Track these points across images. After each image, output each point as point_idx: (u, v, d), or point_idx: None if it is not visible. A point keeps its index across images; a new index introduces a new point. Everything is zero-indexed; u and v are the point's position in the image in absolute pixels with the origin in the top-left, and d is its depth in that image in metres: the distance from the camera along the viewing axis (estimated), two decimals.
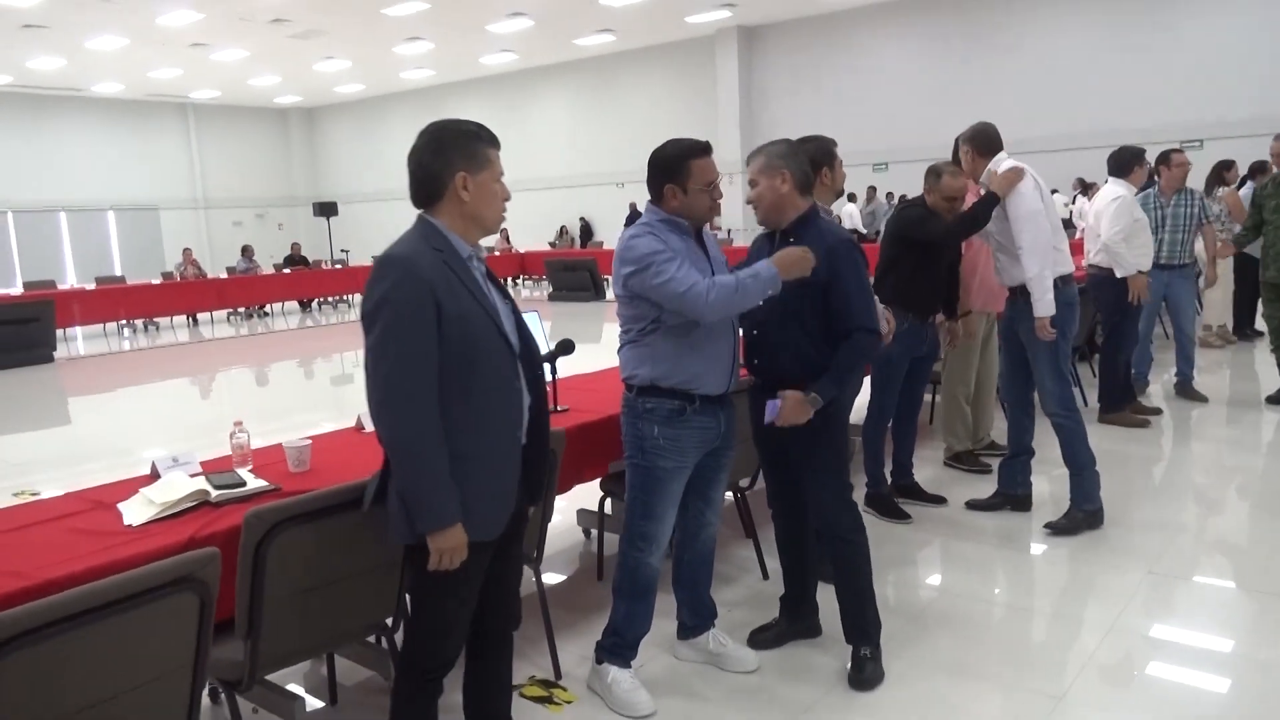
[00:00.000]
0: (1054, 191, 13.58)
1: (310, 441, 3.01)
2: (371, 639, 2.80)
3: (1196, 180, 7.15)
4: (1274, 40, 14.72)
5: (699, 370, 2.75)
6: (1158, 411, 6.11)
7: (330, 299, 17.56)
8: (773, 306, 2.77)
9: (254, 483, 2.72)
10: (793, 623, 3.22)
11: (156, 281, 15.75)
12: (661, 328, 2.74)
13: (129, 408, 9.29)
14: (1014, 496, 4.38)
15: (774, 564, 3.86)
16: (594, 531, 4.15)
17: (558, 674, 3.09)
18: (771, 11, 19.11)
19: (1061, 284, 4.02)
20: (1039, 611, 3.48)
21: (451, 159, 2.17)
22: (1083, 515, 4.11)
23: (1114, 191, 5.58)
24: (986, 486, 4.63)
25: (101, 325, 14.32)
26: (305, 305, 17.37)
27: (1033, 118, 16.20)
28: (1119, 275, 5.62)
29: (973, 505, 4.45)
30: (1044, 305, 3.95)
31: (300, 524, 2.23)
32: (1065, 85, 16.47)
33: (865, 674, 2.90)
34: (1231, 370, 7.58)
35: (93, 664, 1.78)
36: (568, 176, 23.84)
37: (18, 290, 15.25)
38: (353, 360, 11.89)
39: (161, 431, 7.76)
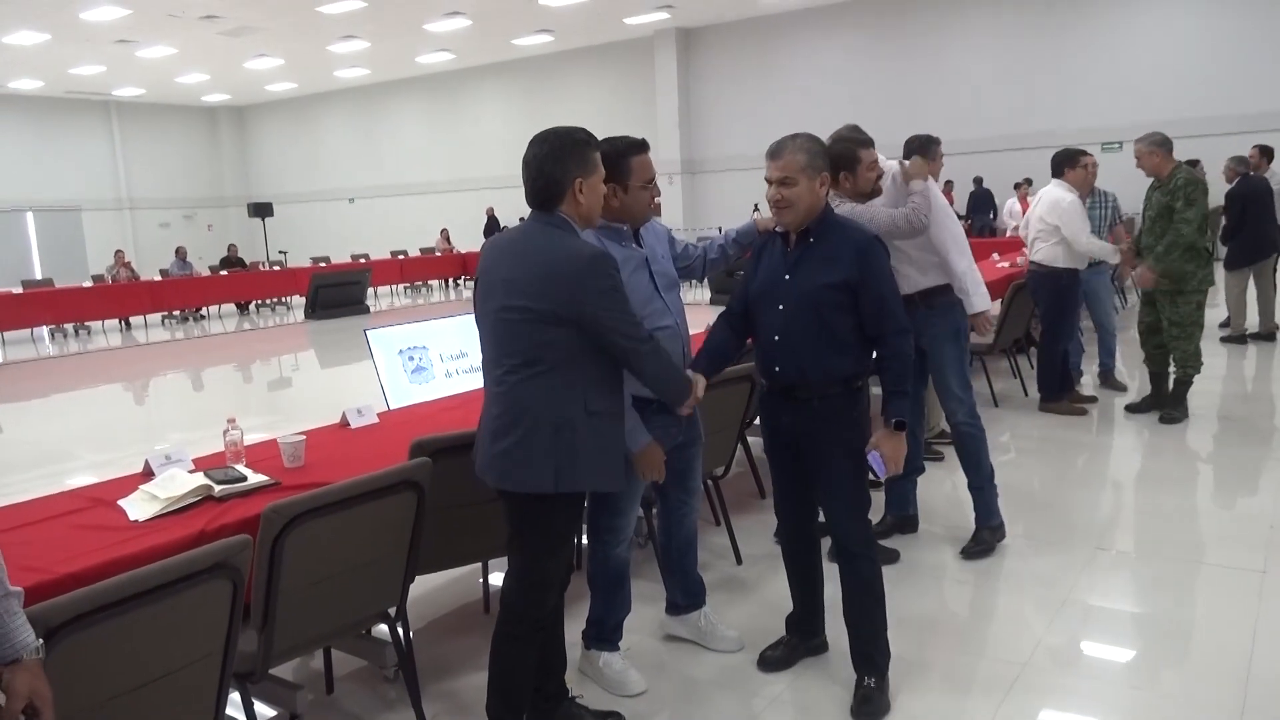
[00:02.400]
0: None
1: (304, 437, 3.06)
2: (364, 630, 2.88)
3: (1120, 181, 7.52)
4: (1190, 45, 15.45)
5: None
6: (1093, 400, 6.44)
7: (269, 301, 17.25)
8: (798, 312, 2.71)
9: (254, 477, 2.77)
10: (801, 640, 3.08)
11: (87, 284, 15.30)
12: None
13: (61, 415, 9.05)
14: (904, 518, 4.13)
15: (747, 549, 4.04)
16: None
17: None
18: (709, 14, 19.36)
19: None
20: (996, 594, 3.69)
21: (569, 166, 2.42)
22: (989, 533, 3.93)
23: (1060, 193, 5.90)
24: (940, 473, 4.86)
25: (30, 331, 13.86)
26: (243, 308, 17.04)
27: (957, 118, 16.74)
28: (1113, 262, 6.27)
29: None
30: (981, 299, 3.92)
31: (317, 517, 2.30)
32: (988, 87, 17.05)
33: (872, 706, 2.73)
34: None
35: (134, 649, 1.84)
36: (507, 177, 23.65)
37: None
38: (291, 363, 11.76)
39: (95, 439, 7.60)
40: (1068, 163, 5.98)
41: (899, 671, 2.88)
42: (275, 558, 2.24)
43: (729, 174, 20.14)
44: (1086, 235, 5.88)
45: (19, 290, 14.44)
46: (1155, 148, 5.63)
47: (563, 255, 2.34)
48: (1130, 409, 6.06)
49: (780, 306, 2.73)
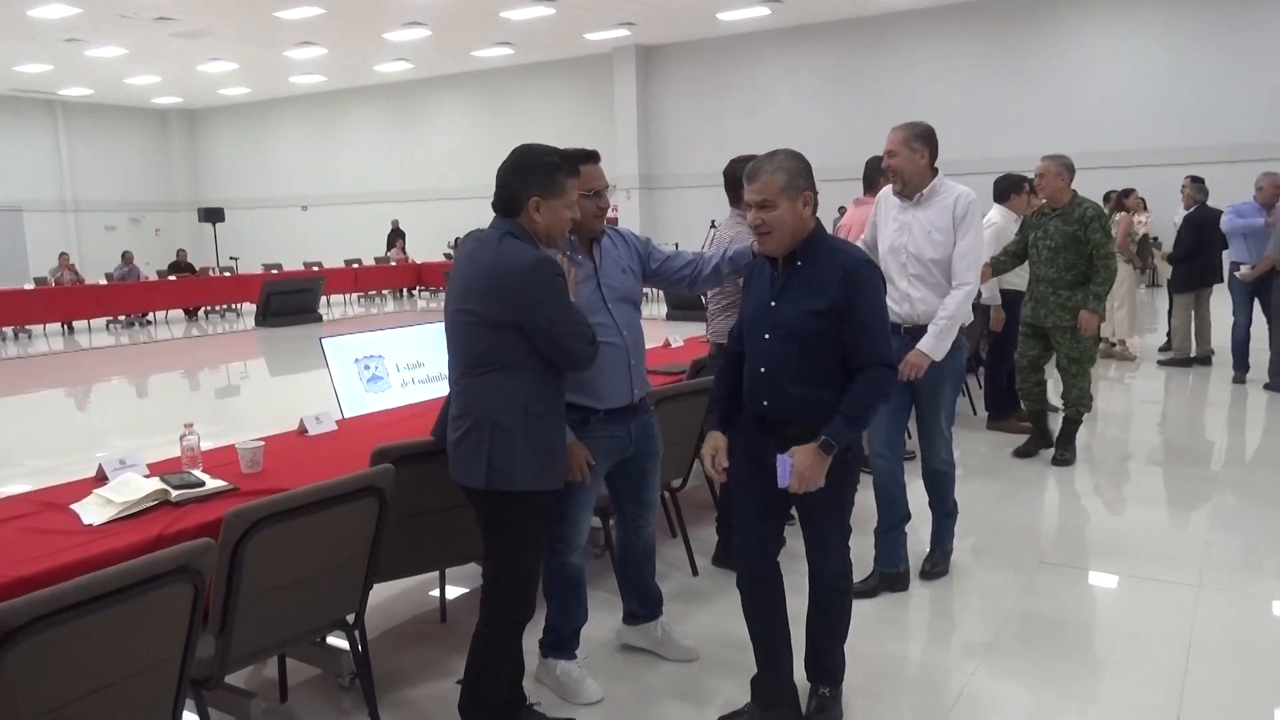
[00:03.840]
0: None
1: (263, 443, 3.04)
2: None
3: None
4: (1139, 77, 15.95)
5: (595, 385, 2.84)
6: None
7: (218, 308, 16.97)
8: (784, 342, 2.56)
9: (212, 483, 2.75)
10: (767, 711, 2.74)
11: (29, 286, 14.92)
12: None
13: (0, 420, 8.81)
14: (892, 575, 3.76)
15: (703, 561, 4.08)
16: None
17: None
18: (670, 32, 19.53)
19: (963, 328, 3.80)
20: (949, 607, 3.78)
21: (530, 182, 2.52)
22: (943, 554, 3.93)
23: (990, 217, 6.03)
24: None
25: None
26: (191, 314, 16.74)
27: None
28: (983, 302, 5.87)
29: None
30: (942, 349, 3.62)
31: (279, 522, 2.29)
32: (934, 114, 17.30)
33: (828, 714, 2.73)
34: (1116, 380, 8.26)
35: (92, 652, 1.82)
36: (463, 188, 23.67)
37: None
38: (240, 370, 11.58)
39: (38, 444, 7.42)
40: (1012, 188, 6.15)
41: (851, 679, 2.93)
42: (236, 562, 2.23)
43: (687, 190, 20.28)
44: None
45: None
46: (1063, 170, 5.27)
47: (506, 264, 2.44)
48: (1018, 453, 5.70)
49: (766, 335, 2.59)
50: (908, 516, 3.80)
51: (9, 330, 14.11)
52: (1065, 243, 5.24)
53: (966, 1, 16.93)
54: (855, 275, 2.52)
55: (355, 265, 18.99)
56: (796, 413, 2.55)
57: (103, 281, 15.88)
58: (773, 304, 2.60)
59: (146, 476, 2.80)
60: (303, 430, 3.55)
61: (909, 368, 3.55)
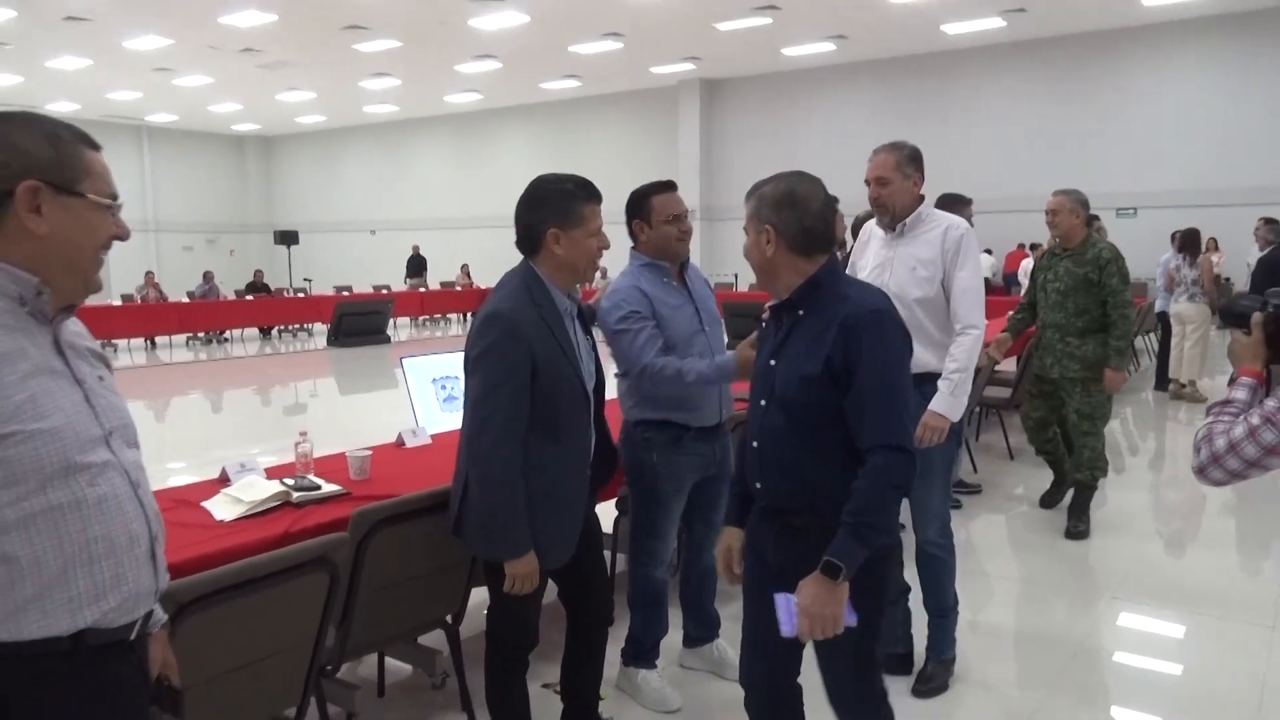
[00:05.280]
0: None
1: (371, 452, 3.25)
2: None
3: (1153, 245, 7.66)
4: (1205, 116, 15.79)
5: (692, 403, 3.00)
6: None
7: (291, 327, 17.54)
8: (775, 412, 2.09)
9: (327, 487, 2.95)
10: None
11: (116, 303, 15.61)
12: None
13: None
14: (895, 657, 3.34)
15: None
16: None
17: None
18: (734, 67, 19.84)
19: None
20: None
21: (545, 215, 2.43)
22: (941, 667, 3.33)
23: None
24: (956, 520, 5.02)
25: None
26: (265, 332, 17.33)
27: (973, 180, 17.03)
28: None
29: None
30: (960, 406, 3.14)
31: (396, 523, 2.48)
32: (1008, 151, 17.40)
33: None
34: (1186, 424, 8.19)
35: (243, 630, 2.02)
36: None
37: None
38: (309, 389, 11.98)
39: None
40: (956, 205, 6.15)
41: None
42: (359, 558, 2.42)
43: (729, 223, 20.52)
44: None
45: None
46: (1077, 207, 4.83)
47: (483, 306, 2.46)
48: (1044, 503, 5.32)
49: (762, 402, 2.14)
50: (908, 588, 3.37)
51: (97, 344, 14.72)
52: (1076, 285, 4.76)
53: (1032, 38, 16.94)
54: (854, 328, 1.98)
55: (422, 289, 19.47)
56: (792, 501, 2.09)
57: (184, 299, 16.53)
58: (772, 363, 2.13)
59: (269, 480, 3.01)
60: (400, 443, 3.76)
61: (927, 432, 3.06)
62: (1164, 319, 9.37)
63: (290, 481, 2.95)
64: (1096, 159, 16.57)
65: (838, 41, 17.36)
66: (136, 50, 17.23)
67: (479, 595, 3.44)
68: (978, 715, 3.16)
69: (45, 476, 1.36)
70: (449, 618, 2.89)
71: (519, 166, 24.33)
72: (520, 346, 2.32)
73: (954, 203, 5.42)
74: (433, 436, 3.98)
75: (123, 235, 1.52)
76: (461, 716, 3.02)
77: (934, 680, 3.27)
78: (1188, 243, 8.96)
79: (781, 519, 2.11)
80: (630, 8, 14.85)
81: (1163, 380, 9.52)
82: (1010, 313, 5.26)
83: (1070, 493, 5.11)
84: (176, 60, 18.36)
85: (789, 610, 1.94)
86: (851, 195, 3.43)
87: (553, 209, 2.42)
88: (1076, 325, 4.78)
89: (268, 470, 3.22)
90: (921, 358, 3.04)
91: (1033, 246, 14.32)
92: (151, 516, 1.55)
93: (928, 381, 3.12)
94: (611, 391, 3.00)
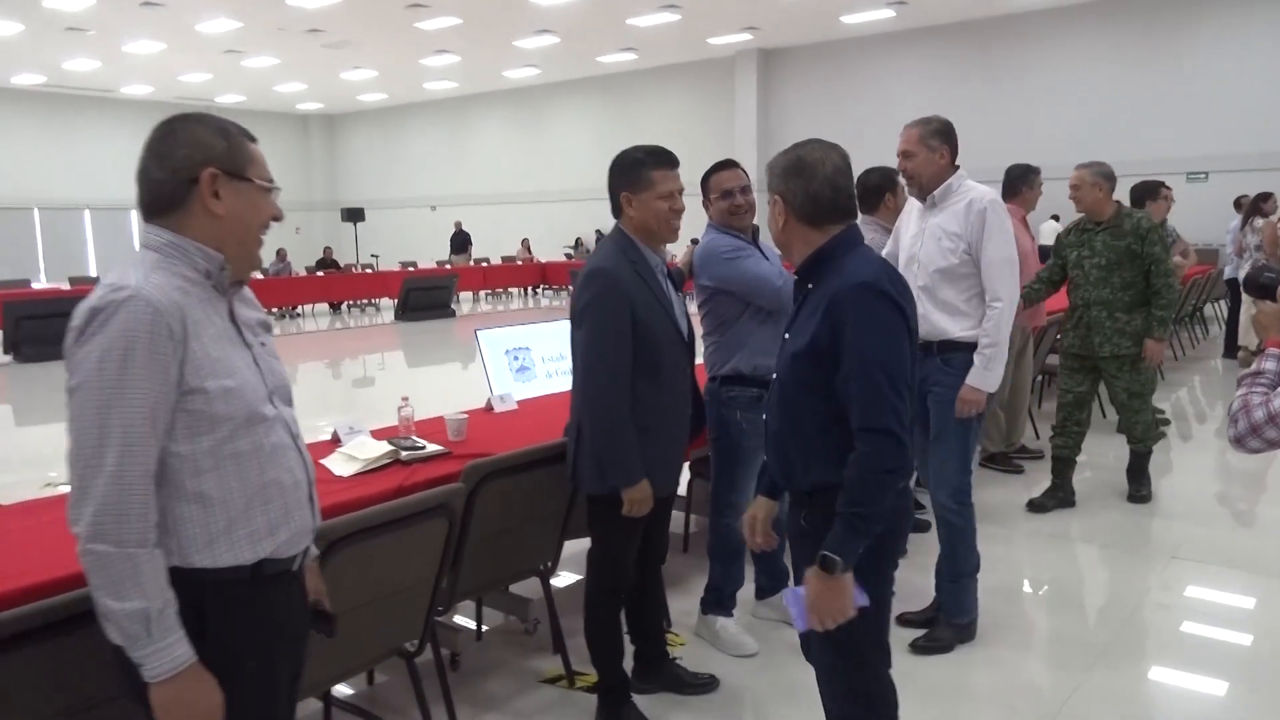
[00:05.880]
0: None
1: (467, 416, 3.51)
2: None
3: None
4: (1278, 75, 15.32)
5: (775, 359, 3.22)
6: (1169, 422, 6.64)
7: (360, 302, 18.06)
8: (778, 389, 2.10)
9: (431, 447, 3.22)
10: None
11: None
12: (741, 321, 3.23)
13: None
14: (962, 626, 3.41)
15: None
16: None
17: (667, 622, 3.58)
18: (792, 35, 19.71)
19: None
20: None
21: (619, 181, 2.71)
22: (953, 631, 3.38)
23: None
24: (1018, 486, 5.16)
25: None
26: (335, 307, 17.86)
27: (1040, 146, 16.80)
28: None
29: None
30: (995, 378, 3.24)
31: (504, 477, 2.73)
32: (1073, 115, 17.06)
33: None
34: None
35: (378, 567, 2.29)
36: (584, 189, 24.35)
37: (42, 285, 15.73)
38: (378, 362, 12.40)
39: None
40: (1148, 194, 6.19)
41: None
42: (469, 507, 2.67)
43: (762, 195, 20.48)
44: None
45: None
46: (1100, 180, 4.69)
47: (585, 266, 2.76)
48: (1033, 506, 4.91)
49: (775, 376, 2.14)
50: (979, 564, 3.43)
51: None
52: (1119, 259, 4.62)
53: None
54: (839, 303, 1.93)
55: (484, 264, 19.86)
56: (797, 483, 2.07)
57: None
58: (786, 335, 2.11)
59: (377, 440, 3.29)
60: (489, 408, 4.03)
61: (964, 405, 3.22)
62: (1233, 285, 9.26)
63: (397, 442, 3.22)
64: (1166, 122, 16.17)
65: (897, 7, 17.14)
66: (208, 33, 17.74)
67: (569, 547, 3.73)
68: (1029, 670, 3.32)
69: (234, 426, 1.60)
70: (544, 565, 3.13)
71: (576, 141, 24.54)
72: (620, 297, 2.58)
73: (1022, 176, 5.52)
74: (518, 402, 4.23)
75: (279, 216, 1.75)
76: (553, 659, 3.28)
77: (938, 642, 3.34)
78: (1248, 207, 8.84)
79: (801, 500, 2.08)
80: None
81: (1231, 348, 9.43)
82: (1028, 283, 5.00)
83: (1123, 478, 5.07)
84: (245, 42, 18.85)
85: (798, 605, 1.95)
86: None
87: (625, 175, 2.70)
88: (1124, 300, 4.64)
89: (373, 432, 3.50)
90: (940, 325, 3.25)
91: (1053, 217, 14.18)
92: (308, 464, 1.80)
93: (950, 350, 3.26)
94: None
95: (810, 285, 2.06)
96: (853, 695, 2.08)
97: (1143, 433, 4.88)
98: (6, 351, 11.54)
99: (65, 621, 1.77)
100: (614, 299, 2.58)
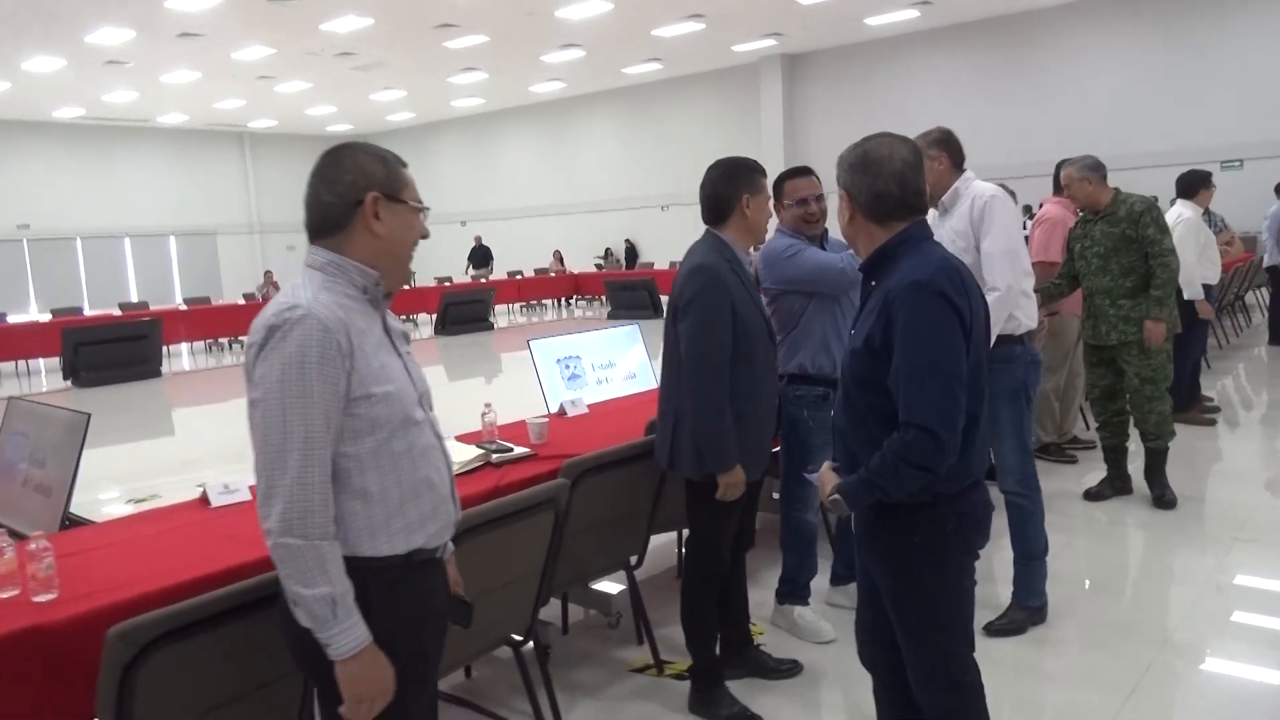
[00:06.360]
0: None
1: (548, 419, 3.68)
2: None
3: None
4: None
5: (838, 357, 3.29)
6: (1218, 410, 6.69)
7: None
8: (842, 385, 2.19)
9: (518, 449, 3.38)
10: None
11: (240, 302, 16.62)
12: (803, 319, 3.36)
13: (228, 420, 10.02)
14: (1034, 609, 3.55)
15: None
16: None
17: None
18: (816, 40, 19.83)
19: (1027, 338, 3.54)
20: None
21: (739, 186, 2.88)
22: (1025, 614, 3.52)
23: (1179, 212, 6.16)
24: (1072, 476, 5.24)
25: (189, 344, 15.23)
26: None
27: (1073, 141, 16.76)
28: (1186, 297, 5.91)
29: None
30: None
31: (599, 473, 2.89)
32: (1103, 109, 17.03)
33: None
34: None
35: (493, 559, 2.44)
36: (613, 200, 24.62)
37: (88, 312, 16.19)
38: (439, 374, 12.62)
39: None
40: (1201, 184, 6.27)
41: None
42: (568, 504, 2.82)
43: (833, 195, 20.51)
44: (1190, 258, 5.94)
45: (184, 308, 15.87)
46: (1089, 173, 4.65)
47: (684, 264, 2.92)
48: (1090, 495, 4.95)
49: (840, 372, 2.22)
50: (1047, 547, 3.57)
51: (225, 341, 15.81)
52: (1116, 245, 4.61)
53: None
54: (893, 302, 1.98)
55: (518, 277, 20.11)
56: (844, 467, 2.16)
57: None
58: (852, 331, 2.18)
59: (467, 445, 3.45)
60: (563, 412, 4.20)
61: None
62: (1274, 273, 9.26)
63: (486, 445, 3.39)
64: (1197, 112, 16.10)
65: (921, 8, 17.21)
66: (243, 61, 18.15)
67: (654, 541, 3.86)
68: (1097, 653, 3.42)
69: (393, 427, 1.77)
70: (632, 559, 3.28)
71: (603, 152, 24.77)
72: (723, 291, 2.76)
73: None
74: (589, 407, 4.39)
75: (426, 235, 1.92)
76: (637, 649, 3.42)
77: (1012, 623, 3.48)
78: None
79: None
80: None
81: (1276, 335, 9.41)
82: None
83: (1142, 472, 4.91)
84: (278, 68, 19.25)
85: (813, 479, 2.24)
86: None
87: (745, 180, 2.91)
88: (1125, 286, 4.62)
89: (459, 436, 3.67)
90: None
91: (1026, 208, 14.17)
92: (450, 464, 1.95)
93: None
94: None
95: (874, 283, 2.10)
96: (945, 685, 2.13)
97: (1156, 425, 4.72)
98: (66, 377, 11.89)
99: (236, 610, 1.93)
100: (717, 292, 2.75)
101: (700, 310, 2.76)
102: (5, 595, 2.17)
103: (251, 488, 2.98)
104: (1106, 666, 3.24)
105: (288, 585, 1.66)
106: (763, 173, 2.97)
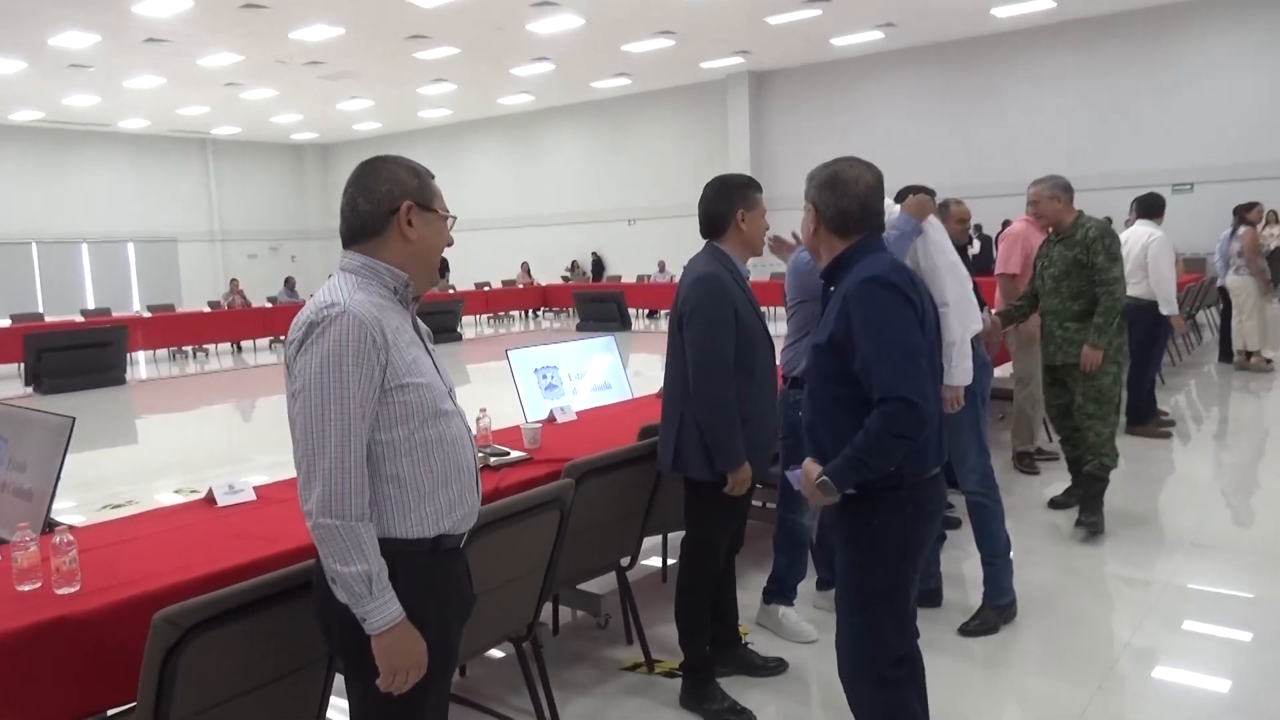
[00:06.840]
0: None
1: (541, 424, 3.77)
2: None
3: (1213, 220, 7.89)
4: (1261, 88, 15.81)
5: None
6: (1174, 423, 6.95)
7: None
8: (809, 383, 2.38)
9: (514, 453, 3.47)
10: None
11: (205, 310, 16.46)
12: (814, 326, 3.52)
13: (224, 423, 9.97)
14: (924, 592, 3.61)
15: None
16: None
17: None
18: (782, 58, 20.17)
19: (975, 343, 3.68)
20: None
21: (735, 201, 3.00)
22: (996, 613, 3.68)
23: (1149, 231, 6.41)
24: (1036, 485, 5.43)
25: (152, 351, 15.03)
26: None
27: (1027, 163, 17.25)
28: (1164, 312, 6.26)
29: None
30: (961, 373, 3.54)
31: (601, 474, 2.99)
32: (1057, 131, 17.53)
33: None
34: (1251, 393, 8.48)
35: (500, 557, 2.53)
36: (580, 213, 24.75)
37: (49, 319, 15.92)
38: None
39: (261, 443, 8.47)
40: (1163, 206, 6.57)
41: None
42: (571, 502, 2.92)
43: (799, 211, 20.83)
44: (1170, 276, 6.29)
45: (147, 315, 15.66)
46: (1058, 192, 4.65)
47: (687, 274, 3.04)
48: (1055, 504, 5.11)
49: (806, 372, 2.46)
50: (941, 536, 3.83)
51: (189, 349, 15.63)
52: (1068, 269, 4.61)
53: (1083, 18, 17.05)
54: (849, 299, 2.19)
55: (486, 288, 20.13)
56: (822, 458, 2.26)
57: (268, 305, 17.34)
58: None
59: None
60: (552, 419, 4.29)
61: (945, 404, 3.38)
62: (1224, 293, 9.63)
63: (483, 449, 3.47)
64: (1150, 136, 16.64)
65: (886, 30, 17.61)
66: (209, 67, 18.02)
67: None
68: (1070, 646, 3.58)
69: (425, 417, 1.87)
70: (625, 560, 3.38)
71: (571, 165, 24.90)
72: (726, 298, 2.90)
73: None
74: (578, 414, 4.50)
75: (451, 242, 2.03)
76: (627, 649, 3.52)
77: (985, 624, 3.63)
78: (1243, 218, 9.25)
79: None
80: (684, 6, 15.26)
81: (1225, 353, 9.78)
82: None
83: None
84: (245, 75, 19.13)
85: (796, 479, 2.31)
86: (899, 182, 3.76)
87: (740, 196, 3.02)
88: (1073, 309, 4.64)
89: None
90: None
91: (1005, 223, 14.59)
92: (476, 456, 2.05)
93: None
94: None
95: (832, 288, 2.34)
96: (873, 681, 2.27)
97: (1097, 446, 4.59)
98: (28, 384, 11.70)
99: (270, 599, 2.01)
100: (721, 300, 2.89)
101: (706, 317, 2.89)
102: (28, 587, 2.23)
103: (256, 489, 3.08)
104: (1078, 659, 3.39)
105: (327, 563, 1.75)
106: (757, 188, 3.08)
